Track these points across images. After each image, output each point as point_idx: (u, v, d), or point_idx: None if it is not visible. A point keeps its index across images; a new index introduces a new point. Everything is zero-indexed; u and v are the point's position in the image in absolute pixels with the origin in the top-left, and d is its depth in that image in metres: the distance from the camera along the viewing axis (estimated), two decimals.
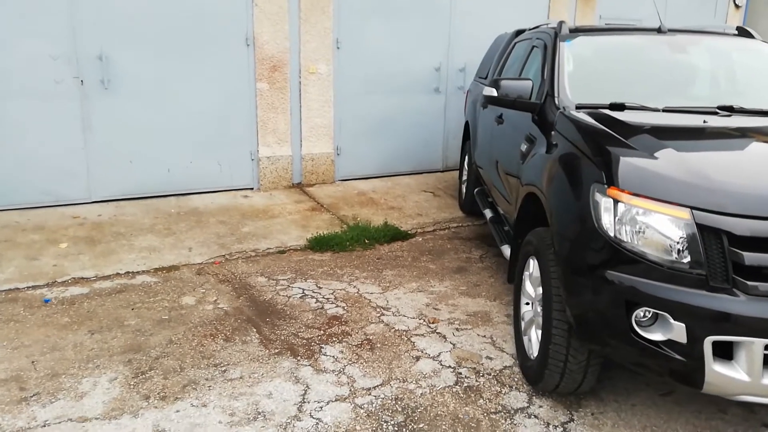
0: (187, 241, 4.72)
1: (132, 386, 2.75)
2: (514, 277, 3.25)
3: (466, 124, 5.92)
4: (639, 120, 2.73)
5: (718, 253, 1.95)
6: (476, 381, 2.87)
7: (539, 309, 2.72)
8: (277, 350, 3.13)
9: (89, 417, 2.52)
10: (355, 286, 4.01)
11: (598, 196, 2.22)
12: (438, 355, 3.11)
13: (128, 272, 4.12)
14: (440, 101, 7.10)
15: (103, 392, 2.70)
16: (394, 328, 3.42)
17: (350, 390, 2.76)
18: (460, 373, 2.94)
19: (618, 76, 3.34)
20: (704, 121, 2.72)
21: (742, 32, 3.70)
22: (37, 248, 4.43)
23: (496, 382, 2.87)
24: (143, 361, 2.98)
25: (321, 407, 2.62)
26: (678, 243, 2.02)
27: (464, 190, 5.85)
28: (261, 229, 5.08)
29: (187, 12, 5.44)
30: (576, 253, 2.30)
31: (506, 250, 3.56)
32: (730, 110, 2.93)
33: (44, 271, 4.05)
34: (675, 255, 2.02)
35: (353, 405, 2.65)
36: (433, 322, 3.50)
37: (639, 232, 2.09)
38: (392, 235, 5.07)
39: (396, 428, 2.50)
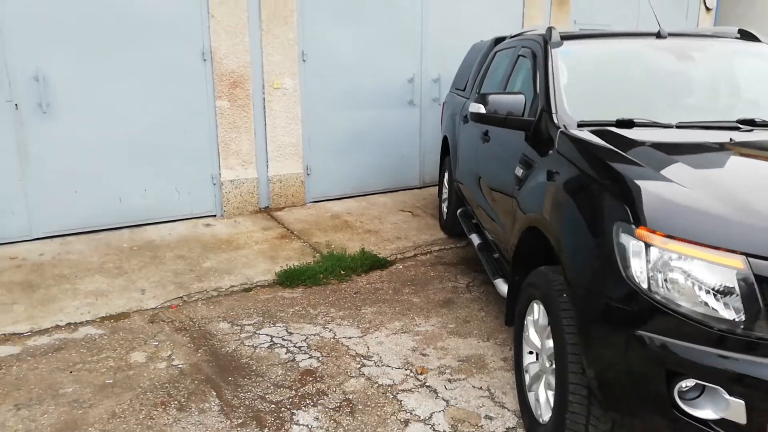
0: (139, 282, 4.20)
1: None
2: (512, 319, 2.84)
3: (445, 139, 5.53)
4: (657, 139, 2.35)
5: None
6: None
7: (548, 364, 2.31)
8: (240, 420, 2.65)
9: None
10: (330, 330, 3.56)
11: (624, 238, 1.82)
12: (430, 417, 2.68)
13: (70, 324, 3.59)
14: (415, 114, 6.71)
15: None
16: (377, 382, 2.97)
17: None
18: None
19: (620, 88, 2.98)
20: (731, 140, 2.36)
21: (746, 35, 3.38)
22: None
23: None
24: None
25: None
26: (730, 299, 1.63)
27: (445, 209, 5.45)
28: (224, 263, 4.58)
29: (135, 25, 4.94)
30: (598, 304, 1.89)
31: (502, 286, 3.15)
32: (752, 124, 2.58)
33: None
34: (727, 314, 1.63)
35: None
36: (421, 373, 3.06)
37: (679, 283, 1.70)
38: (370, 263, 4.63)
39: None
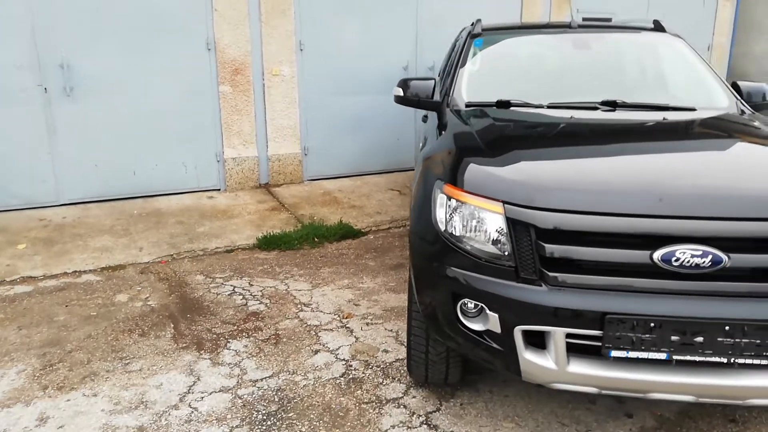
0: (140, 241, 4.92)
1: (36, 377, 2.94)
2: None
3: None
4: (506, 117, 2.79)
5: (527, 245, 2.02)
6: (363, 373, 2.97)
7: None
8: (185, 345, 3.28)
9: None
10: (286, 284, 4.14)
11: (436, 192, 2.30)
12: (337, 349, 3.22)
13: (75, 271, 4.33)
14: None
15: (7, 383, 2.89)
16: (306, 323, 3.54)
17: (237, 382, 2.90)
18: (351, 366, 3.04)
19: (517, 75, 3.39)
20: (571, 117, 2.76)
21: (657, 26, 3.69)
22: None
23: (381, 374, 2.96)
24: (56, 354, 3.17)
25: (202, 397, 2.76)
26: (494, 236, 2.09)
27: None
28: (216, 229, 5.25)
29: (147, 18, 5.64)
30: (419, 247, 2.38)
31: None
32: (613, 105, 2.95)
33: None
34: (492, 248, 2.09)
35: (234, 395, 2.78)
36: (346, 317, 3.61)
37: (465, 226, 2.16)
38: (344, 233, 5.18)
39: (265, 417, 2.62)
